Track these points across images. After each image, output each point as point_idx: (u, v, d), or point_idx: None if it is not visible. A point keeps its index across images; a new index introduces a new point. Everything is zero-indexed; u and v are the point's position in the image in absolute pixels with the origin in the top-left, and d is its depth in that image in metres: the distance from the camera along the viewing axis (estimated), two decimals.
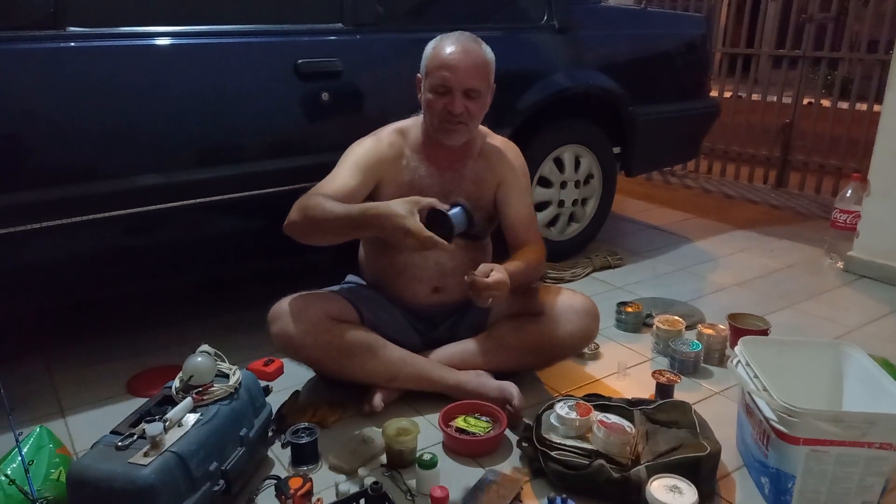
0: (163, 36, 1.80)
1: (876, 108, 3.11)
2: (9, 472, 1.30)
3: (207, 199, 1.89)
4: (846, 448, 1.32)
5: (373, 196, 1.73)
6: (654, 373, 1.84)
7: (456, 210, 1.56)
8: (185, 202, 1.85)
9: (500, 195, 1.83)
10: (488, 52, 1.71)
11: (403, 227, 1.45)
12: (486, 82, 1.69)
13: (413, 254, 1.76)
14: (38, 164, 1.66)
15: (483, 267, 1.59)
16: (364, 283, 1.92)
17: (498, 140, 1.87)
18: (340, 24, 2.08)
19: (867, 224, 2.72)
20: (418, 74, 1.73)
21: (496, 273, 1.57)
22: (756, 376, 1.43)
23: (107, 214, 1.75)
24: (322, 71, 2.00)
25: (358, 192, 1.67)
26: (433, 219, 1.51)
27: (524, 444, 1.57)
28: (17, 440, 1.33)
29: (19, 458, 1.31)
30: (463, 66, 1.64)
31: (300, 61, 1.96)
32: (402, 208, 1.47)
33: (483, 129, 1.85)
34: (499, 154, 1.84)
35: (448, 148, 1.75)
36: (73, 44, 1.67)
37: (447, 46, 1.66)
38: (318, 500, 1.39)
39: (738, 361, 1.52)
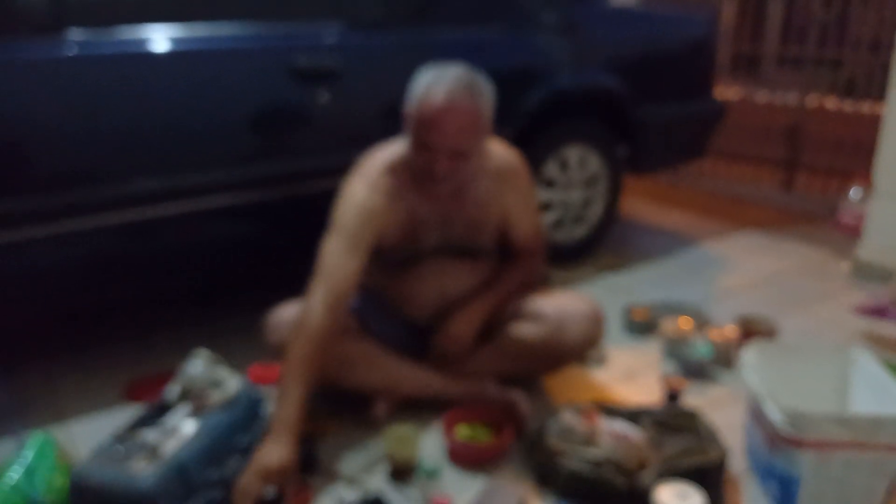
0: (161, 37, 1.79)
1: (879, 107, 3.08)
2: (11, 480, 1.29)
3: (206, 203, 1.88)
4: (852, 451, 1.31)
5: (379, 243, 1.65)
6: (661, 377, 1.82)
7: None
8: (183, 207, 1.84)
9: (507, 220, 1.76)
10: (481, 100, 1.51)
11: (239, 484, 1.33)
12: (476, 139, 1.52)
13: (415, 282, 1.73)
14: (34, 170, 1.65)
15: (440, 336, 1.71)
16: (365, 291, 1.89)
17: (499, 154, 1.73)
18: (341, 23, 2.06)
19: (872, 225, 2.70)
20: (405, 116, 1.55)
21: (448, 329, 1.71)
22: (763, 380, 1.42)
23: (105, 220, 1.74)
24: (322, 70, 1.99)
25: (361, 266, 1.59)
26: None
27: (530, 451, 1.55)
28: (18, 447, 1.32)
29: (22, 464, 1.31)
30: (450, 129, 1.46)
31: (299, 60, 1.94)
32: (254, 473, 1.32)
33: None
34: (502, 175, 1.72)
35: None
36: (71, 46, 1.66)
37: (435, 98, 1.46)
38: None
39: (746, 366, 1.51)
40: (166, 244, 1.89)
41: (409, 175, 1.64)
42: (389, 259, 1.72)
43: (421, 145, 1.51)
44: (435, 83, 1.48)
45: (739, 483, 1.51)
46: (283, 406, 1.40)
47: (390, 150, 1.67)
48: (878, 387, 1.48)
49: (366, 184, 1.62)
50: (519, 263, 1.83)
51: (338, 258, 1.56)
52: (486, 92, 1.53)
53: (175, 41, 1.80)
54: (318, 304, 1.51)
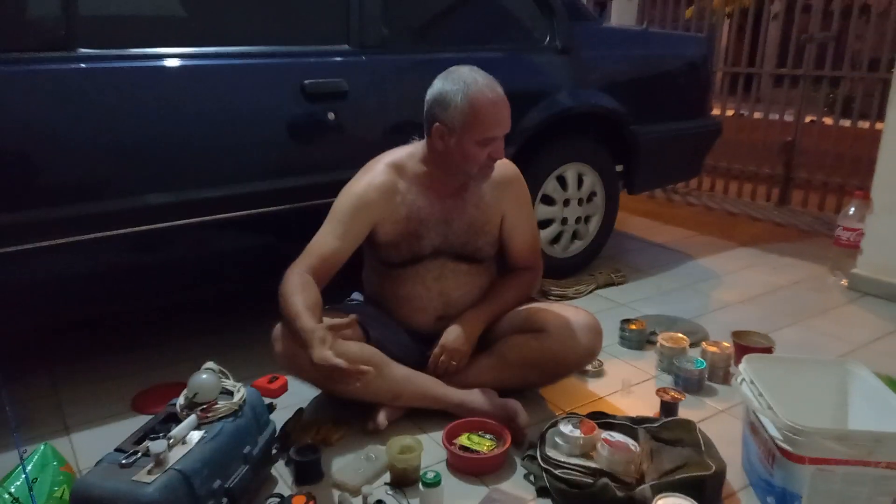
0: (172, 57, 1.83)
1: (878, 125, 3.11)
2: (13, 490, 1.30)
3: (214, 217, 1.90)
4: (853, 467, 1.30)
5: (372, 237, 1.73)
6: (658, 390, 1.84)
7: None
8: (192, 220, 1.87)
9: (505, 227, 1.84)
10: None
11: (310, 357, 1.41)
12: None
13: (416, 284, 1.78)
14: (46, 182, 1.67)
15: (440, 346, 1.75)
16: (368, 300, 1.92)
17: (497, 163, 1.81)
18: (346, 46, 2.10)
19: (870, 241, 2.72)
20: (440, 125, 1.63)
21: (448, 338, 1.75)
22: (761, 394, 1.42)
23: (115, 232, 1.76)
24: (328, 91, 2.02)
25: (345, 251, 1.67)
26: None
27: (528, 462, 1.56)
28: (21, 458, 1.33)
29: (23, 475, 1.31)
30: (506, 115, 1.64)
31: (307, 82, 1.98)
32: (316, 337, 1.42)
33: None
34: (502, 182, 1.80)
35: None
36: (83, 65, 1.69)
37: (485, 96, 1.60)
38: None
39: (743, 379, 1.52)
40: (174, 257, 1.92)
41: (414, 174, 1.73)
42: (391, 260, 1.76)
43: (486, 140, 1.63)
44: (472, 83, 1.61)
45: (737, 497, 1.51)
46: (300, 317, 1.47)
47: (396, 152, 1.77)
48: (878, 401, 1.47)
49: (365, 178, 1.72)
50: (517, 277, 1.88)
51: (322, 237, 1.67)
52: None
53: (185, 58, 1.84)
54: (295, 269, 1.61)
